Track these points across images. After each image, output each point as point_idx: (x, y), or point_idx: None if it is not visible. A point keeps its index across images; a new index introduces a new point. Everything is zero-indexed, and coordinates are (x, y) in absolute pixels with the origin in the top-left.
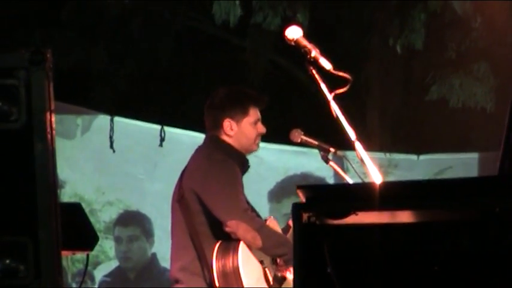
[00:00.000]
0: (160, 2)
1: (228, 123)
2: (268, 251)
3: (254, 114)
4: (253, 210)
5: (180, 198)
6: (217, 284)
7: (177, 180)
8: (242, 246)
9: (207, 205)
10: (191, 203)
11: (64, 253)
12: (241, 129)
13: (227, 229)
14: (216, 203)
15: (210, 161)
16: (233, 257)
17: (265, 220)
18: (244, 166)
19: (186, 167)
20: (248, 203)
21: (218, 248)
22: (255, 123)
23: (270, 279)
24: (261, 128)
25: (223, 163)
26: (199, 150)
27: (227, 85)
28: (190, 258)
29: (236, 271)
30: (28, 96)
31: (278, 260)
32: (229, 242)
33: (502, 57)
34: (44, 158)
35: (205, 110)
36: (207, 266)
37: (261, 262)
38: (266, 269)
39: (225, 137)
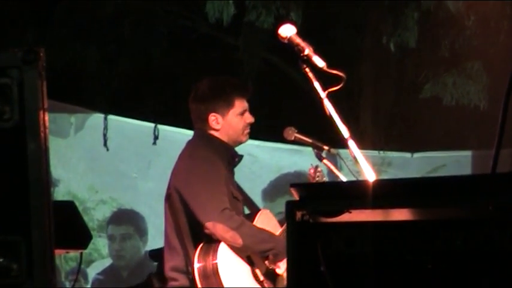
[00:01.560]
0: (153, 2)
1: (213, 118)
2: (251, 248)
3: (240, 104)
4: (248, 202)
5: (168, 197)
6: (199, 286)
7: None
8: (222, 247)
9: (189, 206)
10: (176, 202)
11: (58, 252)
12: (227, 121)
13: (206, 231)
14: (195, 204)
15: (192, 159)
16: (212, 259)
17: (256, 214)
18: (233, 159)
19: (174, 165)
20: (237, 197)
21: (199, 250)
22: (242, 113)
23: (260, 276)
24: (249, 118)
25: (205, 161)
26: (187, 146)
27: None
28: (179, 258)
29: (216, 273)
30: (21, 95)
31: (269, 256)
32: (210, 244)
33: (495, 56)
34: (37, 156)
35: (189, 104)
36: (191, 266)
37: (249, 260)
38: (254, 267)
39: (211, 131)
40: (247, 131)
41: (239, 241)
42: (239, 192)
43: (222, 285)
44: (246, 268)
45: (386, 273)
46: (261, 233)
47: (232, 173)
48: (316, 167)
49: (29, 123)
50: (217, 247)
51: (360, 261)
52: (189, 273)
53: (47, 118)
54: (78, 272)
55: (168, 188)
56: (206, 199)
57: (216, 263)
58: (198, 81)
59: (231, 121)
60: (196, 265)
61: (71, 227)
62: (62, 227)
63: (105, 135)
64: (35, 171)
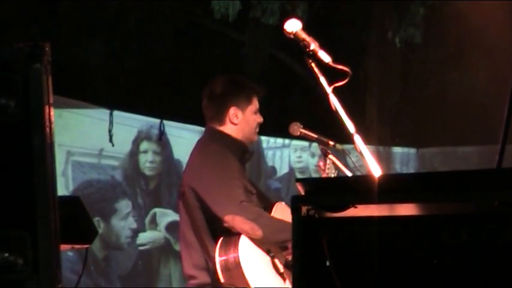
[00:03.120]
0: None
1: (233, 111)
2: (270, 238)
3: (255, 103)
4: (262, 197)
5: (182, 195)
6: (222, 280)
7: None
8: (243, 240)
9: (205, 202)
10: (190, 199)
11: (63, 247)
12: (245, 117)
13: (225, 224)
14: (212, 199)
15: (203, 155)
16: (234, 252)
17: (272, 206)
18: (245, 154)
19: (186, 163)
20: (251, 191)
21: (220, 244)
22: (256, 112)
23: (280, 267)
24: (260, 118)
25: (217, 155)
26: (197, 144)
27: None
28: (198, 255)
29: (238, 266)
30: (26, 90)
31: (288, 246)
32: (230, 237)
33: (501, 51)
34: (42, 151)
35: (206, 99)
36: (211, 261)
37: (268, 252)
38: (274, 258)
39: (226, 127)
40: (257, 130)
41: (258, 232)
42: (252, 187)
43: (245, 278)
44: (266, 260)
45: (392, 268)
46: (279, 223)
47: (244, 169)
48: (325, 159)
49: (34, 118)
50: (238, 240)
51: (366, 256)
52: (209, 269)
53: (52, 113)
54: (84, 268)
55: (181, 186)
56: (222, 193)
57: (238, 256)
58: (204, 76)
59: (248, 118)
60: (218, 259)
61: (77, 223)
62: (68, 222)
63: (110, 131)
64: (40, 166)
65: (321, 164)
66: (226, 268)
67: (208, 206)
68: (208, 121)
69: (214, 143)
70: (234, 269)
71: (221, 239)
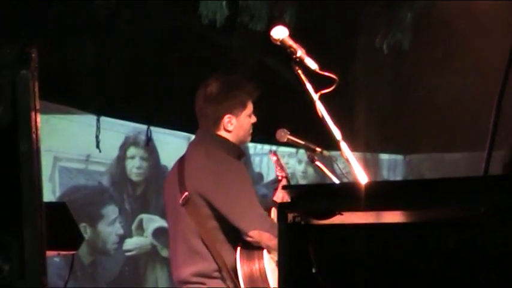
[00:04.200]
0: (146, 2)
1: (228, 119)
2: None
3: (250, 106)
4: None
5: (186, 202)
6: None
7: (168, 181)
8: (266, 252)
9: (222, 212)
10: (200, 207)
11: (49, 253)
12: (239, 123)
13: (249, 239)
14: (232, 212)
15: (213, 162)
16: (259, 263)
17: (270, 210)
18: (240, 158)
19: (183, 169)
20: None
21: (240, 254)
22: (250, 115)
23: None
24: (254, 118)
25: (228, 164)
26: (196, 149)
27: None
28: (207, 263)
29: (264, 277)
30: (13, 95)
31: None
32: (251, 249)
33: (489, 57)
34: (29, 157)
35: (200, 102)
36: (226, 270)
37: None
38: None
39: (221, 132)
40: (251, 131)
41: None
42: None
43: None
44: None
45: (378, 275)
46: None
47: None
48: (275, 151)
49: (21, 124)
50: (262, 252)
51: (352, 263)
52: (223, 278)
53: (39, 119)
54: (70, 274)
55: (184, 192)
56: (243, 206)
57: (264, 268)
58: (192, 81)
59: (242, 122)
60: (240, 269)
61: (63, 229)
62: (54, 228)
63: (97, 137)
64: (27, 172)
65: (274, 158)
66: (250, 279)
67: (227, 218)
68: (202, 124)
69: (218, 149)
70: (259, 281)
71: (239, 249)
